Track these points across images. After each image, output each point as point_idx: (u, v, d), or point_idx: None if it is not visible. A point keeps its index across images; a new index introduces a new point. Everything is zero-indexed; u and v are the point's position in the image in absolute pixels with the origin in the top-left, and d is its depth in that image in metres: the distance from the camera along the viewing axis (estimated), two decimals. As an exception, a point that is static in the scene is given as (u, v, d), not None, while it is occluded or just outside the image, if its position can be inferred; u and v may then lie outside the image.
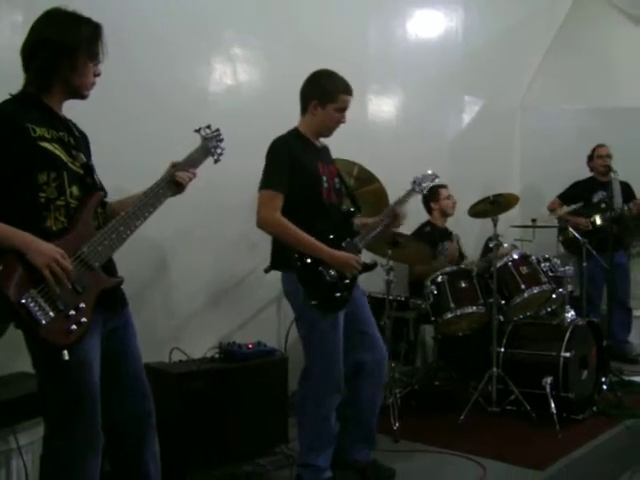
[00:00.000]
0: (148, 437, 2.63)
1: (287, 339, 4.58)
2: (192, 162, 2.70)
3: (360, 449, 3.67)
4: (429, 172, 3.88)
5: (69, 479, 2.37)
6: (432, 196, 5.78)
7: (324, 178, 3.48)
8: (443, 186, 5.78)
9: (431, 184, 3.90)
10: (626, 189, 6.45)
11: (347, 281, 3.38)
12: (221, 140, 2.82)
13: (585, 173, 6.64)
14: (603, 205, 6.29)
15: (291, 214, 3.30)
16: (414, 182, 3.83)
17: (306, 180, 3.40)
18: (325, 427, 3.41)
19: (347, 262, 3.36)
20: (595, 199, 6.42)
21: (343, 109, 3.50)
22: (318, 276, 3.30)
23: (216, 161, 2.82)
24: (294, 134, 3.50)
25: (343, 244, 3.42)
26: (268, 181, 3.34)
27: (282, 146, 3.41)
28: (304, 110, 3.53)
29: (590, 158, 6.63)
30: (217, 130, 2.82)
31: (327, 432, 3.43)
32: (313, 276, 3.30)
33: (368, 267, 3.52)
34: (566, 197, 6.60)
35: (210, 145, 2.78)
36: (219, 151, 2.81)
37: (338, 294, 3.34)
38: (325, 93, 3.46)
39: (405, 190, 3.78)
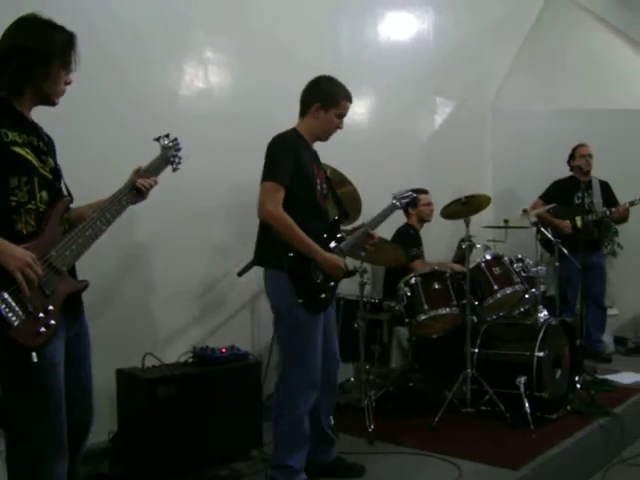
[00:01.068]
0: (84, 444, 2.65)
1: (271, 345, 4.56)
2: (153, 170, 2.74)
3: (324, 450, 3.72)
4: (409, 191, 4.11)
5: None
6: (410, 201, 5.76)
7: (318, 181, 3.52)
8: (424, 191, 5.76)
9: (408, 200, 4.13)
10: (605, 189, 6.49)
11: (332, 284, 3.45)
12: (179, 149, 2.87)
13: (557, 173, 6.64)
14: (580, 207, 6.29)
15: (286, 212, 3.30)
16: (394, 198, 4.06)
17: (303, 180, 3.42)
18: (300, 427, 3.41)
19: (337, 265, 3.44)
20: (575, 200, 6.38)
21: (343, 115, 3.57)
22: (308, 276, 3.35)
23: (174, 169, 2.86)
24: (294, 134, 3.51)
25: (331, 247, 3.48)
26: (273, 173, 3.34)
27: (287, 143, 3.42)
28: (304, 113, 3.56)
29: (571, 157, 6.56)
30: (175, 139, 2.87)
31: (302, 432, 3.43)
32: (304, 275, 3.34)
33: (350, 273, 3.66)
34: (547, 197, 6.52)
35: (169, 154, 2.82)
36: (177, 160, 2.86)
37: (323, 295, 3.40)
38: (329, 97, 3.51)
39: (383, 208, 3.96)
